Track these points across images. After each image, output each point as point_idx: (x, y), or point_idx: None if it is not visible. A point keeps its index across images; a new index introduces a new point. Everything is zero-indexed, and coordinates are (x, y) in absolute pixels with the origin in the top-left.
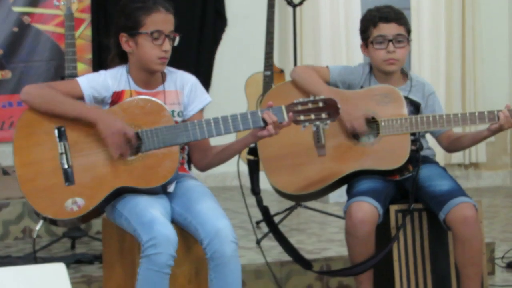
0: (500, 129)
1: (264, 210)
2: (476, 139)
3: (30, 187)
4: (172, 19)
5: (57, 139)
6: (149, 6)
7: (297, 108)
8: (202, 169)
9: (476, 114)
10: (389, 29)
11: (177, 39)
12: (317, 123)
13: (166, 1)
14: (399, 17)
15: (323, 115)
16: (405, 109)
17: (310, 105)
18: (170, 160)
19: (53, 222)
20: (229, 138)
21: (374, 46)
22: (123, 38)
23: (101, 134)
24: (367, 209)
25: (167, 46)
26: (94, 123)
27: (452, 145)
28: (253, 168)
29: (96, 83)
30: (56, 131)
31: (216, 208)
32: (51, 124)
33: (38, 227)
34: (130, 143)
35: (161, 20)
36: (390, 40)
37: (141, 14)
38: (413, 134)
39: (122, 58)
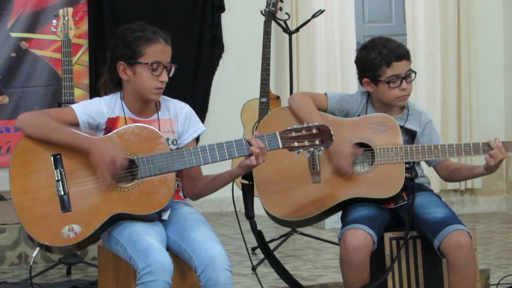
0: (490, 163)
1: (258, 235)
2: (473, 174)
3: (27, 215)
4: (170, 50)
5: (53, 167)
6: (150, 37)
7: (291, 134)
8: (193, 197)
9: (471, 145)
10: (401, 67)
11: (173, 70)
12: (311, 149)
13: (164, 31)
14: (407, 52)
15: (317, 142)
16: (400, 138)
17: (304, 132)
18: (166, 187)
19: (49, 249)
20: (224, 167)
21: (390, 85)
22: (121, 66)
23: (93, 164)
24: (361, 236)
25: (165, 77)
26: (87, 153)
27: (449, 176)
28: (247, 193)
29: (91, 110)
30: (52, 159)
31: (210, 236)
32: (47, 151)
33: (35, 254)
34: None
35: (161, 51)
36: (403, 78)
37: (141, 44)
38: (407, 162)
39: (116, 85)
